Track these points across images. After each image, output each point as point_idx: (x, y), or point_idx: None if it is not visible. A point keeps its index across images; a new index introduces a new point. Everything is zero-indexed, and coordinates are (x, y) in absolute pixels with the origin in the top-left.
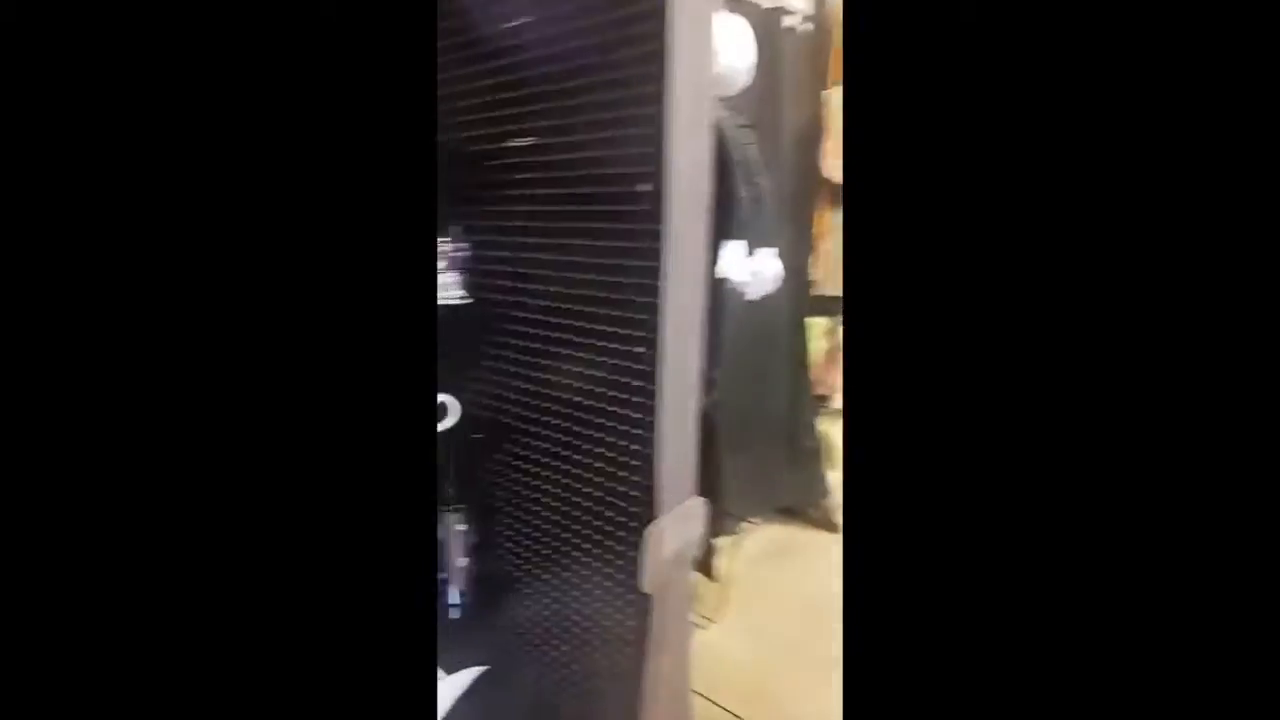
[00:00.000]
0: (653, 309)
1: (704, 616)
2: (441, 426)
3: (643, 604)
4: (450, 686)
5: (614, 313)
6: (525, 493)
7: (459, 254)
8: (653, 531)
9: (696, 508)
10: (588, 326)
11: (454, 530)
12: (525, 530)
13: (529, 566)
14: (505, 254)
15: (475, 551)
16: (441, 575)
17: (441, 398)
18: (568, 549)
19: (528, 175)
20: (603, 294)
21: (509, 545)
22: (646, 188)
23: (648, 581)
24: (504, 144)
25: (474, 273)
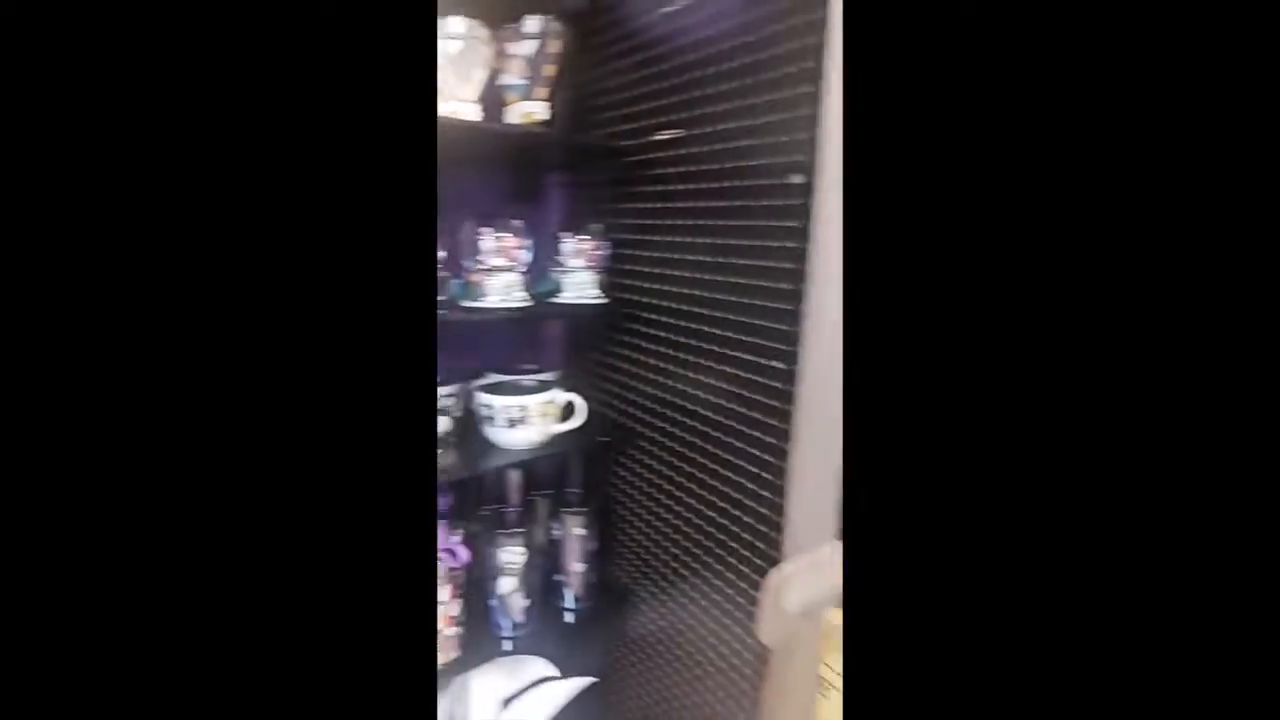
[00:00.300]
0: (795, 316)
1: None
2: (568, 427)
3: (762, 651)
4: (561, 690)
5: (753, 320)
6: (647, 503)
7: (597, 253)
8: (776, 579)
9: (832, 556)
10: (724, 334)
11: (573, 534)
12: (644, 542)
13: (646, 580)
14: (643, 254)
15: (593, 558)
16: (558, 577)
17: (569, 397)
18: (686, 570)
19: (670, 170)
20: (742, 298)
21: (628, 555)
22: (798, 179)
23: (766, 633)
24: (646, 139)
25: (611, 272)
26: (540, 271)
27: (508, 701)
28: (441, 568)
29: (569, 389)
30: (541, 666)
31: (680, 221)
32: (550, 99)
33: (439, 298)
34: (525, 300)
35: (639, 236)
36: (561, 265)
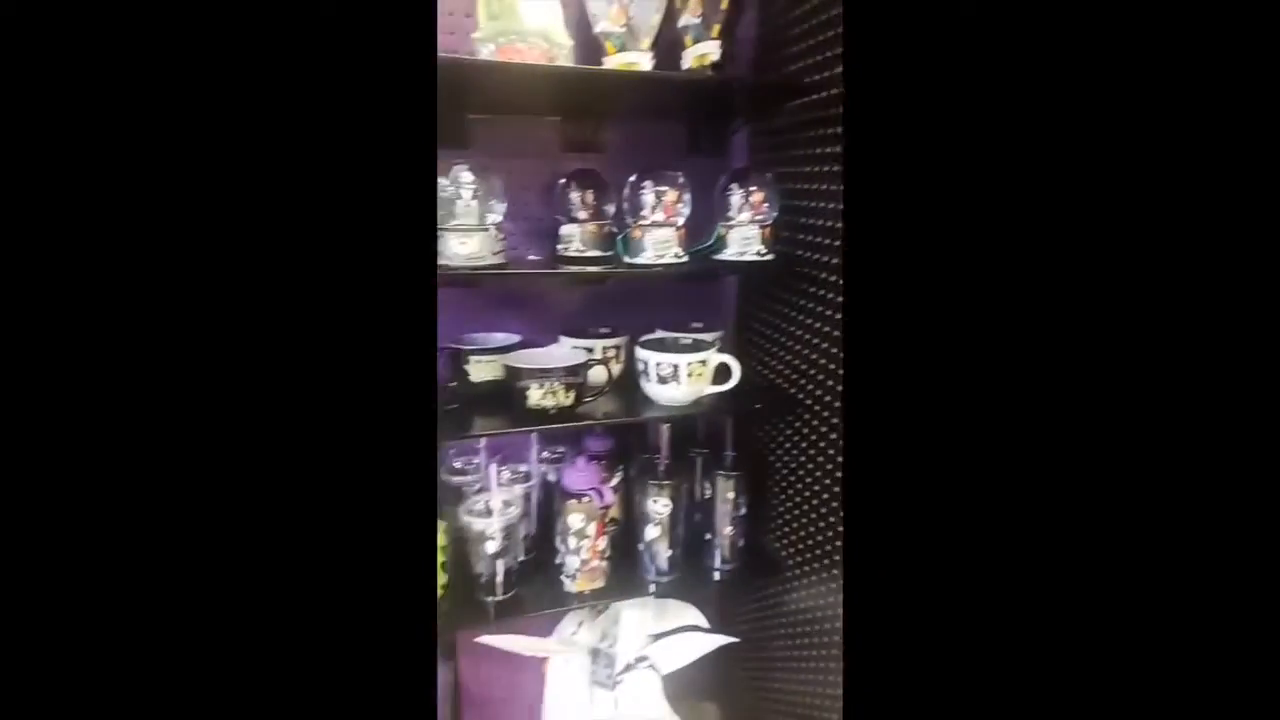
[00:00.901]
0: None
1: None
2: (721, 388)
3: None
4: (706, 641)
5: None
6: (804, 473)
7: (765, 206)
8: None
9: None
10: None
11: (724, 495)
12: (798, 513)
13: (797, 552)
14: (816, 205)
15: (742, 522)
16: (708, 536)
17: (724, 359)
18: (833, 544)
19: (840, 113)
20: None
21: (780, 523)
22: None
23: None
24: (828, 73)
25: (779, 226)
26: (704, 227)
27: (656, 637)
28: (589, 505)
29: (731, 350)
30: (693, 615)
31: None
32: (725, 39)
33: (606, 253)
34: (680, 257)
35: (812, 186)
36: (728, 219)
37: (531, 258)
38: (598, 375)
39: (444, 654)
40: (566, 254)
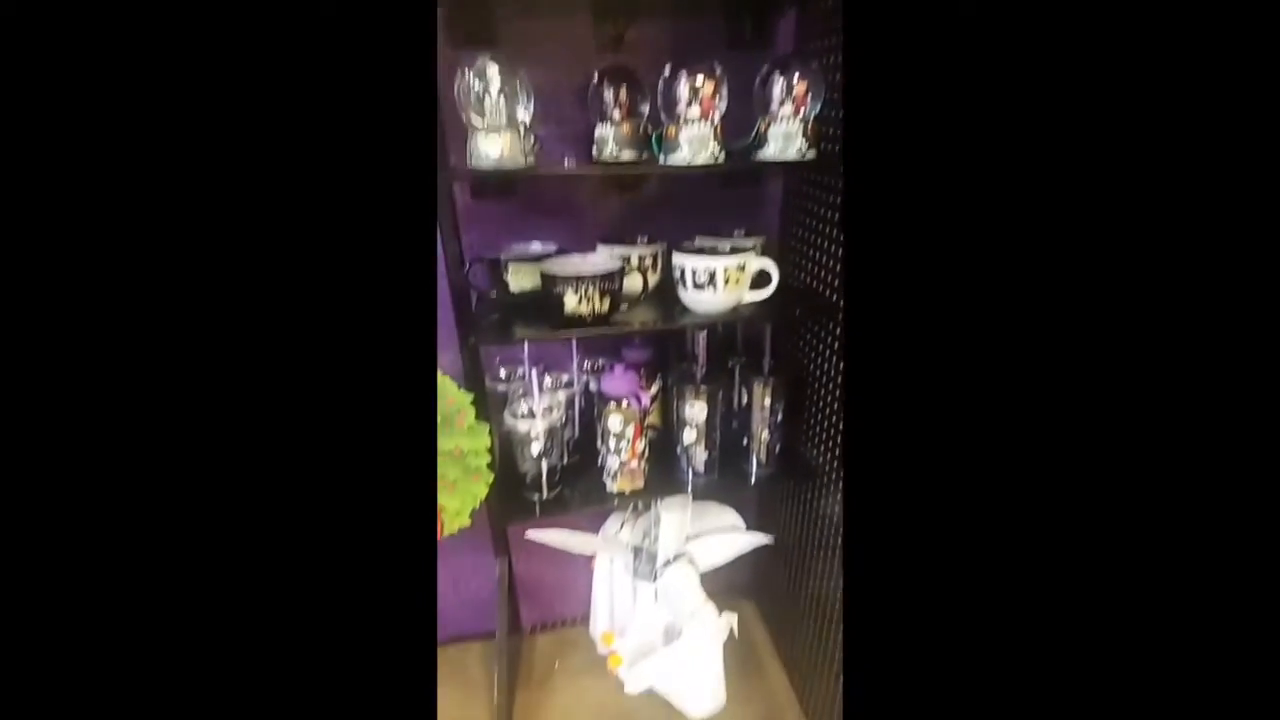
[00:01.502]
0: None
1: None
2: (759, 295)
3: None
4: (741, 540)
5: None
6: (839, 378)
7: (809, 99)
8: None
9: None
10: None
11: (761, 402)
12: (832, 417)
13: (829, 456)
14: None
15: (778, 428)
16: (745, 441)
17: (763, 264)
18: None
19: None
20: None
21: (816, 430)
22: None
23: None
24: None
25: (820, 122)
26: (745, 131)
27: (694, 537)
28: (628, 409)
29: (771, 256)
30: (731, 517)
31: None
32: None
33: (641, 156)
34: (718, 156)
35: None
36: (768, 114)
37: (566, 163)
38: (633, 282)
39: (497, 548)
40: (601, 158)
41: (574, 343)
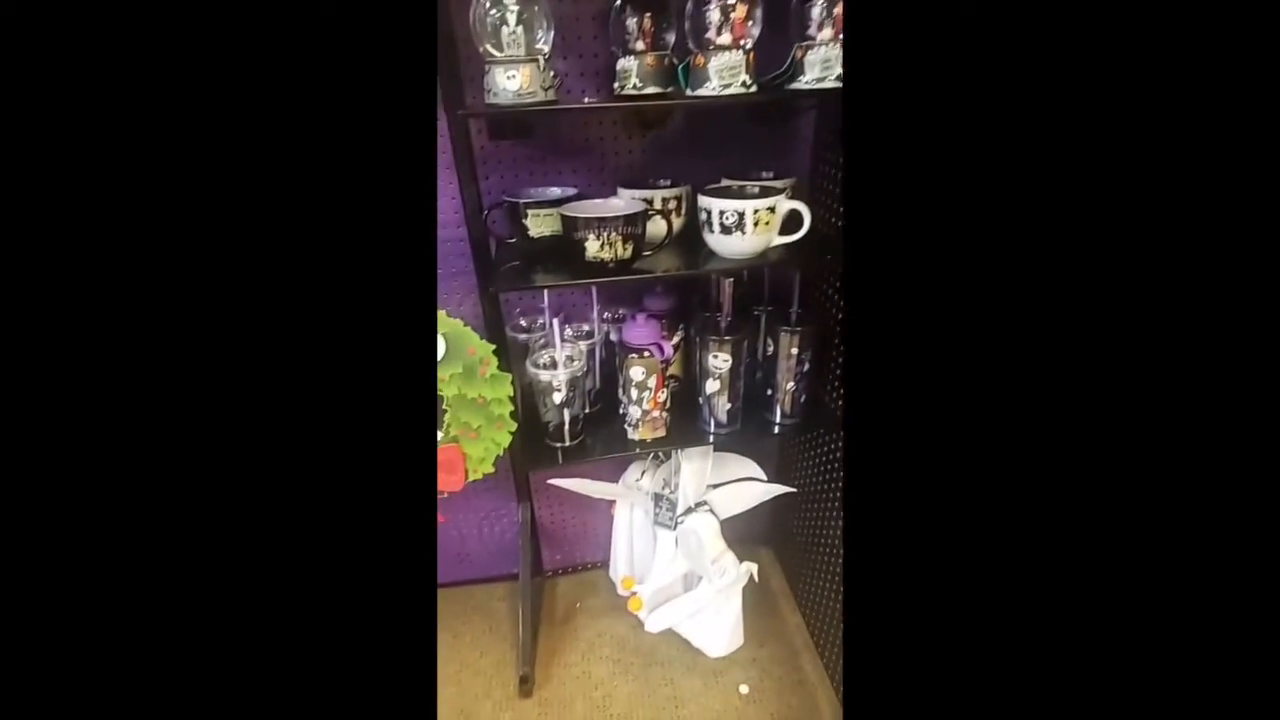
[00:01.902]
0: None
1: None
2: (790, 239)
3: None
4: (761, 490)
5: None
6: None
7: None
8: None
9: None
10: None
11: (788, 351)
12: None
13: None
14: None
15: (805, 379)
16: (770, 391)
17: (794, 206)
18: None
19: None
20: None
21: (837, 378)
22: None
23: None
24: None
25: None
26: (774, 56)
27: (714, 486)
28: (650, 359)
29: (803, 199)
30: (750, 468)
31: None
32: None
33: (666, 89)
34: (749, 86)
35: None
36: (806, 39)
37: (587, 99)
38: (656, 227)
39: (520, 493)
40: (624, 92)
41: (594, 291)
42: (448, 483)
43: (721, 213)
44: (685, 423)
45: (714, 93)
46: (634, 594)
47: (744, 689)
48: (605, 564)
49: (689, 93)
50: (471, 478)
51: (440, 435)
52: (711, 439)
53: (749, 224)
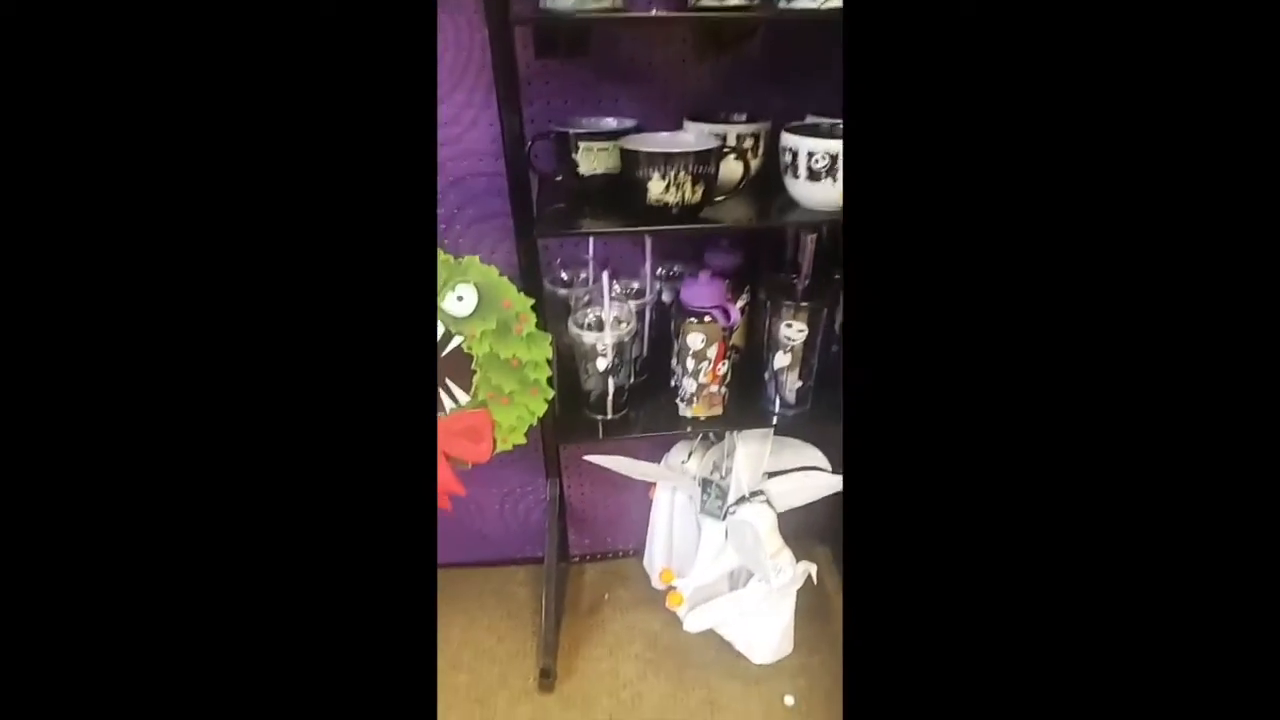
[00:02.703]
0: None
1: None
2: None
3: None
4: (824, 483)
5: None
6: None
7: None
8: None
9: None
10: None
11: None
12: None
13: None
14: None
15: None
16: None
17: None
18: None
19: None
20: None
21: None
22: None
23: None
24: None
25: None
26: None
27: (770, 475)
28: (711, 325)
29: None
30: (814, 456)
31: None
32: None
33: (751, 0)
34: None
35: None
36: None
37: (654, 10)
38: (730, 169)
39: (549, 469)
40: (699, 3)
41: (648, 243)
42: (473, 453)
43: (811, 154)
44: (746, 401)
45: (815, 4)
46: (673, 588)
47: (789, 700)
48: (639, 552)
49: (782, 4)
50: (500, 448)
51: (468, 399)
52: (776, 420)
53: (842, 170)
